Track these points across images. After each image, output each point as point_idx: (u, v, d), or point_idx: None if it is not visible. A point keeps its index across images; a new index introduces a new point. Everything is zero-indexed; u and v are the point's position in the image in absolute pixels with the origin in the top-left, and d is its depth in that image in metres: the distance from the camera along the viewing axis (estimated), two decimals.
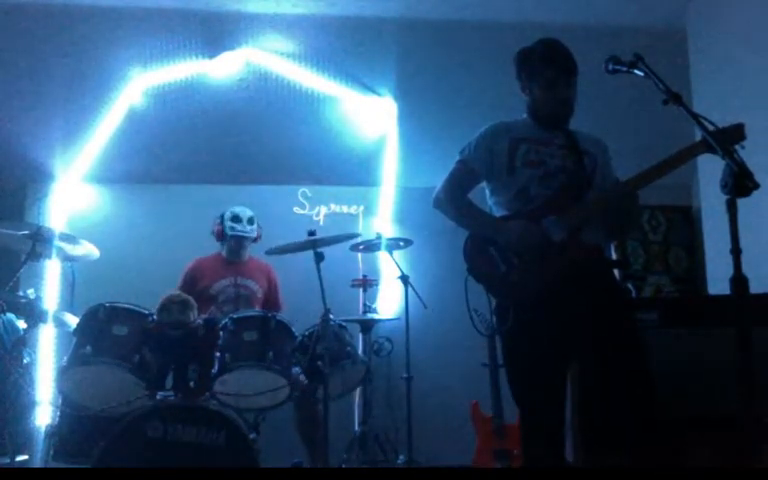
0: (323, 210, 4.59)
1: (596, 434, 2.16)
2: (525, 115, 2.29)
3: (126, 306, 2.94)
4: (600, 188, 2.20)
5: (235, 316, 3.02)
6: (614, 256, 4.29)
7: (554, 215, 2.10)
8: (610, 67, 1.94)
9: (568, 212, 2.10)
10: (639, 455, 1.98)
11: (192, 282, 3.71)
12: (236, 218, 3.77)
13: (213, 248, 3.88)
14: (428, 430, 3.98)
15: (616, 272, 4.08)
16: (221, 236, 3.79)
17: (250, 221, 3.79)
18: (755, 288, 1.73)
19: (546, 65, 2.19)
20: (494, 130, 2.25)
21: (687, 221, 4.80)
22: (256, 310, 3.51)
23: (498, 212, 2.24)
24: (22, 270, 3.23)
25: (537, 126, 2.23)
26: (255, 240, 3.84)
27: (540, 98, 2.21)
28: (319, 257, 3.08)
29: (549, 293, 2.04)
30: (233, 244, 3.78)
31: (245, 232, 3.76)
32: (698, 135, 1.81)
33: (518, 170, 2.16)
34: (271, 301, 3.80)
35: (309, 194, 4.59)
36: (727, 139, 1.71)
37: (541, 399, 2.08)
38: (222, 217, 3.80)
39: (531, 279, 2.08)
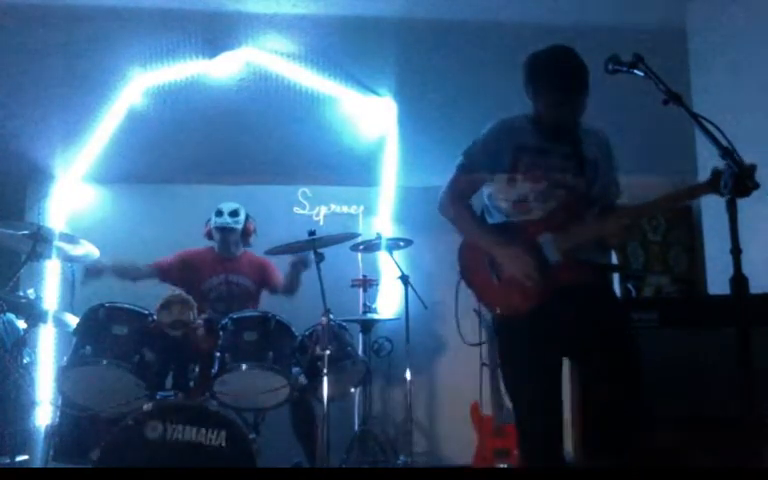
0: (323, 210, 4.59)
1: (595, 436, 2.16)
2: (531, 113, 2.24)
3: (126, 306, 2.94)
4: (598, 194, 2.20)
5: (235, 316, 3.02)
6: (614, 258, 4.28)
7: (551, 232, 2.10)
8: (610, 67, 1.94)
9: (565, 232, 2.10)
10: (637, 455, 1.98)
11: (182, 270, 3.65)
12: (219, 212, 3.71)
13: None
14: (428, 430, 3.99)
15: (615, 274, 4.09)
16: (210, 235, 3.77)
17: (233, 213, 3.69)
18: (755, 288, 1.73)
19: (553, 87, 2.11)
20: (497, 134, 2.21)
21: (687, 221, 4.80)
22: (256, 310, 3.51)
23: (496, 216, 2.23)
24: (22, 270, 3.23)
25: (541, 133, 2.18)
26: (247, 235, 3.77)
27: (544, 114, 2.16)
28: (319, 257, 3.08)
29: (541, 307, 2.06)
30: (219, 238, 3.73)
31: (226, 223, 3.67)
32: (698, 136, 1.81)
33: (518, 183, 2.15)
34: (271, 286, 3.74)
35: (309, 194, 4.59)
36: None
37: (534, 402, 2.08)
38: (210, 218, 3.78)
39: (523, 296, 2.09)
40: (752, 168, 1.67)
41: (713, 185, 1.83)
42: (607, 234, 2.12)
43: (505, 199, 2.19)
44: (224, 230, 3.68)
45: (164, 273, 3.63)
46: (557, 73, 2.11)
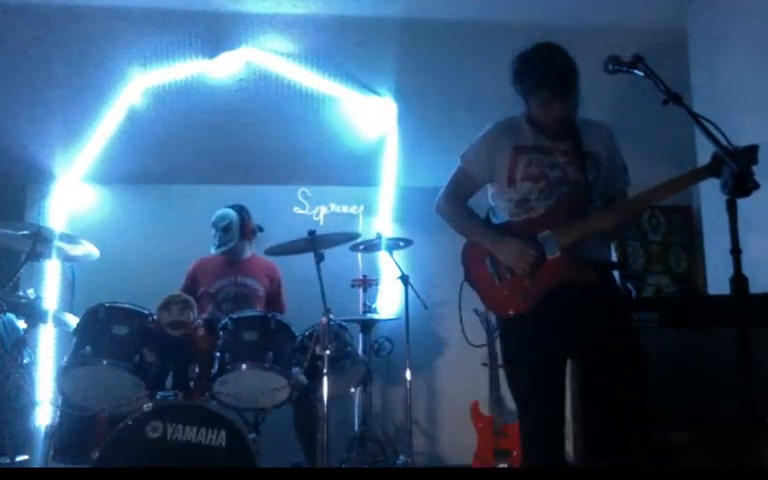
0: (323, 210, 4.59)
1: (595, 438, 2.16)
2: (527, 113, 2.22)
3: (126, 306, 2.94)
4: (605, 186, 2.19)
5: (235, 316, 3.02)
6: (614, 256, 4.29)
7: (552, 228, 2.09)
8: (610, 67, 1.94)
9: (566, 227, 2.09)
10: (637, 455, 1.99)
11: (193, 282, 3.71)
12: (214, 226, 3.72)
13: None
14: (428, 430, 3.99)
15: (615, 273, 4.09)
16: None
17: (226, 229, 3.68)
18: (755, 288, 1.73)
19: (540, 87, 2.08)
20: (496, 136, 2.21)
21: (687, 221, 4.80)
22: (256, 310, 3.51)
23: (500, 216, 2.23)
24: (22, 270, 3.23)
25: (539, 131, 2.17)
26: (249, 235, 3.77)
27: (536, 114, 2.14)
28: (319, 257, 3.08)
29: (542, 306, 2.06)
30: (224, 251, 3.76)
31: (223, 248, 3.68)
32: (698, 135, 1.81)
33: (518, 182, 2.14)
34: (274, 301, 3.77)
35: (309, 194, 4.59)
36: (740, 160, 1.68)
37: (538, 402, 2.09)
38: None
39: (523, 296, 2.09)
40: (754, 149, 1.68)
41: (713, 168, 1.83)
42: (608, 228, 2.12)
43: (507, 200, 2.19)
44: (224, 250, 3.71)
45: (188, 290, 3.59)
46: (543, 72, 2.08)
